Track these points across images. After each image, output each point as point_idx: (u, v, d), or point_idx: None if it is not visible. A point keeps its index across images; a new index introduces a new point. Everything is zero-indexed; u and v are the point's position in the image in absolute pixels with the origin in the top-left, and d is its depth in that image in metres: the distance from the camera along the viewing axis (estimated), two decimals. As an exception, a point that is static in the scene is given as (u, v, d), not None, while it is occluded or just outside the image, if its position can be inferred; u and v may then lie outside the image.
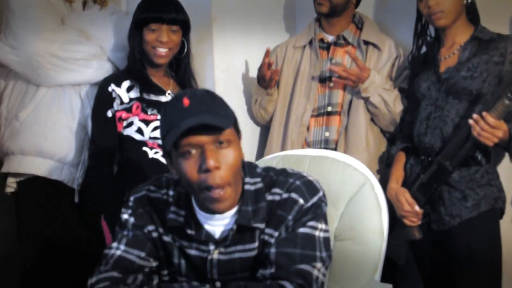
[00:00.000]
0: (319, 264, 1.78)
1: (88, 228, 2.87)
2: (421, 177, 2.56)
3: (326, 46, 3.02)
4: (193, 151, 1.72)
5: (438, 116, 2.54)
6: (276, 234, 1.81)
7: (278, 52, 3.12)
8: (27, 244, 2.89)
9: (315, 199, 1.83)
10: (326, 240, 1.84)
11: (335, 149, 2.86)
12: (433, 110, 2.57)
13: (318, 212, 1.82)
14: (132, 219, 1.91)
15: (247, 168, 1.87)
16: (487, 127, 2.30)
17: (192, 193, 1.80)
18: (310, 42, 3.05)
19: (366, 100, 2.84)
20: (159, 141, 2.71)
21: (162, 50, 2.75)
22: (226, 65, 3.25)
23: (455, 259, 2.50)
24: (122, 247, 1.88)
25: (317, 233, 1.81)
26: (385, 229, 2.09)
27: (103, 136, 2.74)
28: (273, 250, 1.79)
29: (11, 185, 2.90)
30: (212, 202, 1.74)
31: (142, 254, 1.87)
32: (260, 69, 2.98)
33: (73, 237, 2.87)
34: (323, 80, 2.97)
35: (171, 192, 1.91)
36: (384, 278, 2.13)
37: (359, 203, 2.08)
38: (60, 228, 2.85)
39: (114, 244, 1.89)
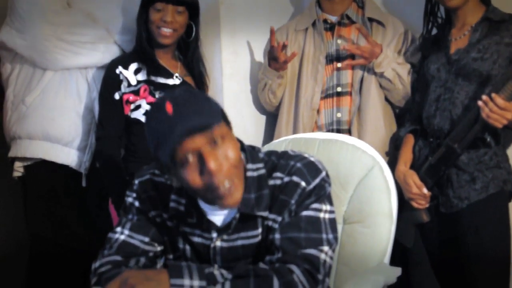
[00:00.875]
0: (326, 248, 1.75)
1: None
2: (429, 159, 2.55)
3: (330, 27, 3.00)
4: (191, 158, 1.67)
5: (448, 98, 2.52)
6: (279, 219, 1.79)
7: (278, 36, 3.03)
8: (35, 228, 2.90)
9: (317, 180, 1.79)
10: (332, 221, 1.81)
11: (349, 130, 2.85)
12: (442, 92, 2.55)
13: (321, 193, 1.79)
14: (136, 203, 1.90)
15: (249, 154, 1.83)
16: (496, 109, 2.29)
17: (199, 196, 1.77)
18: (313, 24, 3.01)
19: (380, 75, 2.82)
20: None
21: (167, 30, 2.74)
22: (233, 48, 3.23)
23: (463, 241, 2.49)
24: (126, 231, 1.88)
25: (321, 215, 1.78)
26: (394, 212, 2.08)
27: (110, 119, 2.73)
28: (277, 236, 1.76)
29: (18, 169, 2.90)
30: (222, 199, 1.72)
31: (146, 239, 1.87)
32: (271, 51, 2.92)
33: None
34: (330, 61, 2.95)
35: (173, 179, 1.86)
36: (393, 262, 2.13)
37: (368, 186, 2.08)
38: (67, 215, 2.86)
39: (118, 229, 1.89)
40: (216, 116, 1.70)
